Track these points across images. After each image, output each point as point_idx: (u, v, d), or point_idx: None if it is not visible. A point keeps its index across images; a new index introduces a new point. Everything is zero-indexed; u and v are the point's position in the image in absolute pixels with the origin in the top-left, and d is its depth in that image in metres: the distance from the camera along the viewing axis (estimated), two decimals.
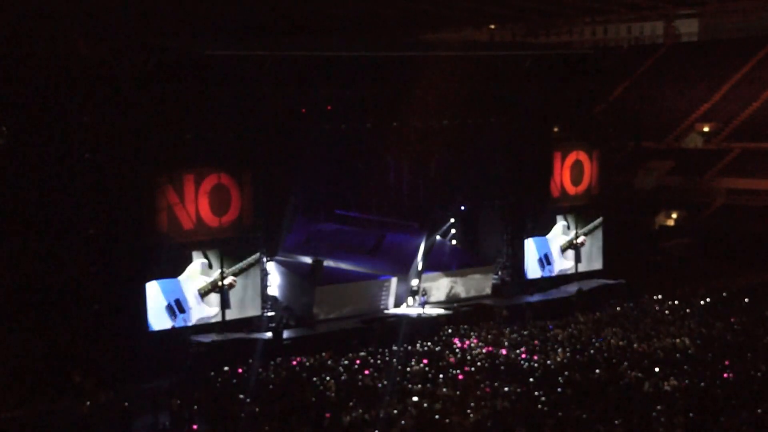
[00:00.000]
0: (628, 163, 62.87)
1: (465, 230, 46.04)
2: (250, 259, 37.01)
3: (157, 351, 33.77)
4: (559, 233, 45.93)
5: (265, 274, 38.31)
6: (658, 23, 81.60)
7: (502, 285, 44.78)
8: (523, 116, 44.22)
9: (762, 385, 28.08)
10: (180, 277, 35.64)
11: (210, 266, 36.13)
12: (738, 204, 59.14)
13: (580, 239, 46.32)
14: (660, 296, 42.35)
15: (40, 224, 37.46)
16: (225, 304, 36.52)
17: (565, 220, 45.91)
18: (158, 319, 35.25)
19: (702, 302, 40.85)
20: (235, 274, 36.85)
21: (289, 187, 39.24)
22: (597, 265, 46.97)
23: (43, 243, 37.11)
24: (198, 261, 35.97)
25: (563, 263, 46.12)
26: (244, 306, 37.22)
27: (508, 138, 44.21)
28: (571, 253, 46.24)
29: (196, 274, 35.94)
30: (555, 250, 45.80)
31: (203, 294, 36.18)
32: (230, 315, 36.93)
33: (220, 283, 36.37)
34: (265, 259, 38.19)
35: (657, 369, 30.04)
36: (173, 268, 35.42)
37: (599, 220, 46.80)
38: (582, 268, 46.45)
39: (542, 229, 45.39)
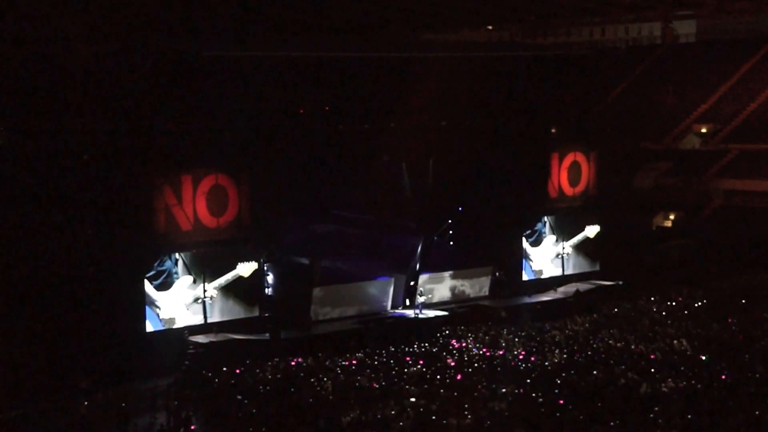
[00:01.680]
0: (626, 164, 62.88)
1: (462, 231, 46.11)
2: (229, 276, 37.01)
3: (155, 351, 33.83)
4: (550, 245, 46.55)
5: (263, 274, 38.34)
6: (655, 24, 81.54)
7: (500, 286, 44.83)
8: (520, 117, 44.29)
9: (759, 386, 28.12)
10: (168, 292, 35.80)
11: (194, 281, 36.29)
12: (735, 205, 59.16)
13: (566, 251, 46.72)
14: (657, 297, 42.39)
15: (37, 224, 37.39)
16: (206, 314, 36.59)
17: (553, 233, 46.35)
18: (153, 323, 35.54)
19: (699, 303, 40.89)
20: (217, 288, 36.97)
21: (286, 187, 39.26)
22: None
23: (41, 243, 37.03)
24: (184, 278, 36.12)
25: (554, 271, 46.72)
26: (236, 309, 37.31)
27: (505, 139, 44.27)
28: (559, 261, 46.90)
29: (183, 289, 36.13)
30: (547, 261, 46.29)
31: (188, 306, 36.33)
32: (229, 316, 37.02)
33: (202, 297, 36.50)
34: (262, 260, 38.24)
35: (654, 370, 30.10)
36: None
37: (583, 234, 47.24)
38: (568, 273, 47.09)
39: (534, 243, 46.05)
